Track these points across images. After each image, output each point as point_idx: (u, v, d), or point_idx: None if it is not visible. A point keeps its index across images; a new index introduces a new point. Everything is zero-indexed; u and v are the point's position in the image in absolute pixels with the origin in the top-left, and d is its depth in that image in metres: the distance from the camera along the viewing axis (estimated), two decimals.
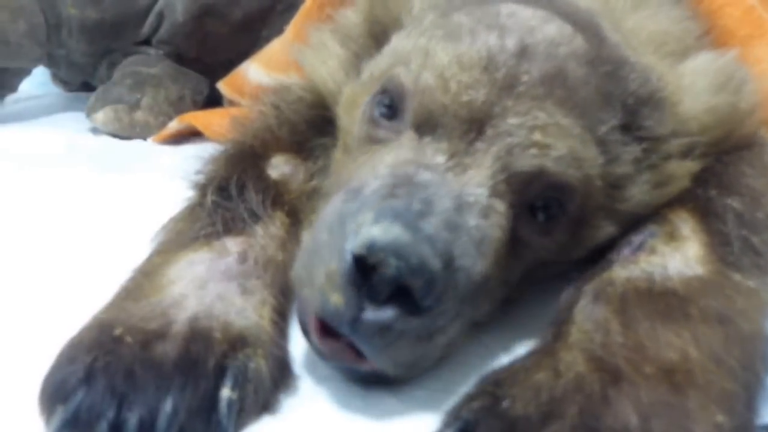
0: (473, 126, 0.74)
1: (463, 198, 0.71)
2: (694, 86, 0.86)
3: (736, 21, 1.09)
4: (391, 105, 0.81)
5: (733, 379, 0.64)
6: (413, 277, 0.63)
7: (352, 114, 0.88)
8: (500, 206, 0.73)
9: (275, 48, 1.51)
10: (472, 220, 0.70)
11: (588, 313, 0.71)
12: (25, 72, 2.01)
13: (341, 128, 0.93)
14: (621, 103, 0.81)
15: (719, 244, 0.76)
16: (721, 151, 0.87)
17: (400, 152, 0.76)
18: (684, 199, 0.82)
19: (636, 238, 0.79)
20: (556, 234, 0.79)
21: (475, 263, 0.70)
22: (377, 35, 0.97)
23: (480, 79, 0.75)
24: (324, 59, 1.02)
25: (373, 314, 0.64)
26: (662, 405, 0.60)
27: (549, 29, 0.80)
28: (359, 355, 0.69)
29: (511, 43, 0.77)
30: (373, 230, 0.64)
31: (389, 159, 0.75)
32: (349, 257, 0.64)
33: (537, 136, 0.74)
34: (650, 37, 0.92)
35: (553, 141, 0.74)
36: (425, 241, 0.64)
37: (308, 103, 1.06)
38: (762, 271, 0.75)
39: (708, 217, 0.79)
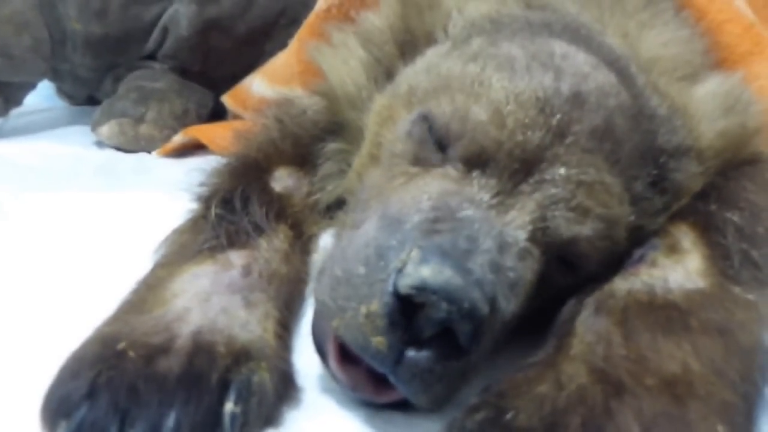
0: (523, 167, 0.74)
1: (503, 238, 0.71)
2: (707, 113, 0.87)
3: (736, 38, 1.10)
4: (437, 132, 0.80)
5: (733, 391, 0.64)
6: (463, 321, 0.62)
7: (388, 127, 0.87)
8: (535, 251, 0.74)
9: (279, 62, 1.52)
10: (510, 262, 0.70)
11: (590, 325, 0.71)
12: (30, 86, 2.01)
13: (368, 138, 0.92)
14: (653, 159, 0.82)
15: (719, 257, 0.77)
16: (724, 169, 0.88)
17: (444, 183, 0.75)
18: (685, 213, 0.83)
19: (637, 251, 0.80)
20: (579, 277, 0.80)
21: (509, 304, 0.70)
22: (404, 45, 0.96)
23: (536, 121, 0.75)
24: (345, 59, 1.02)
25: (416, 356, 0.64)
26: (664, 416, 0.60)
27: (599, 78, 0.80)
28: (377, 384, 0.69)
29: (566, 88, 0.77)
30: (423, 270, 0.63)
31: (432, 189, 0.74)
32: (393, 297, 0.64)
33: (580, 196, 0.74)
34: (665, 66, 0.93)
35: (594, 204, 0.75)
36: (476, 286, 0.64)
37: (316, 111, 1.05)
38: (761, 284, 0.76)
39: (709, 230, 0.79)
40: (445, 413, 0.68)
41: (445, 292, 0.61)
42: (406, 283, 0.62)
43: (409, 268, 0.63)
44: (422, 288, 0.62)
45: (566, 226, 0.74)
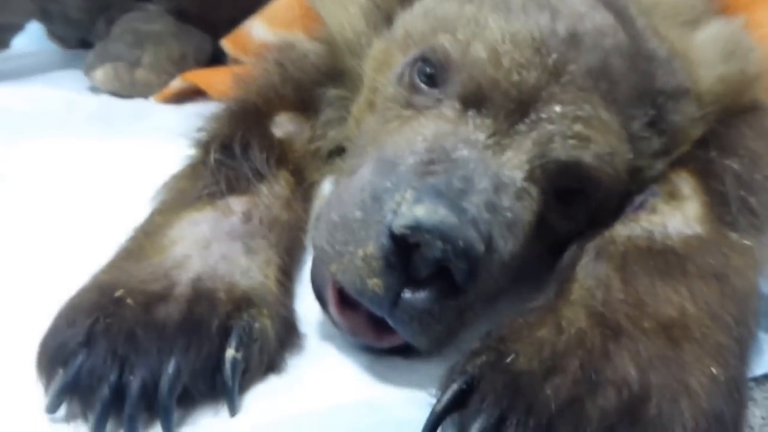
0: (519, 107, 0.74)
1: (500, 178, 0.71)
2: (707, 58, 0.87)
3: None
4: (432, 74, 0.80)
5: (728, 334, 0.66)
6: (458, 260, 0.63)
7: (383, 72, 0.87)
8: (533, 191, 0.74)
9: (280, 5, 1.48)
10: (507, 202, 0.71)
11: (590, 270, 0.72)
12: (17, 27, 1.95)
13: (366, 84, 0.92)
14: (651, 99, 0.81)
15: (718, 204, 0.77)
16: (724, 116, 0.88)
17: (439, 123, 0.75)
18: (685, 160, 0.83)
19: (638, 198, 0.80)
20: (578, 219, 0.81)
21: (507, 244, 0.70)
22: None
23: (532, 61, 0.75)
24: (344, 5, 1.00)
25: (412, 297, 0.65)
26: (660, 358, 0.62)
27: (596, 18, 0.80)
28: (377, 328, 0.70)
29: (562, 28, 0.77)
30: (417, 210, 0.63)
31: (427, 131, 0.75)
32: (389, 239, 0.64)
33: (579, 128, 0.74)
34: (666, 10, 0.92)
35: (594, 134, 0.75)
36: (471, 224, 0.65)
37: (318, 55, 1.04)
38: (758, 230, 0.77)
39: (708, 177, 0.80)
40: (447, 358, 0.69)
41: (439, 231, 0.62)
42: (400, 224, 0.63)
43: (404, 209, 0.64)
44: (416, 228, 0.62)
45: (567, 152, 0.74)
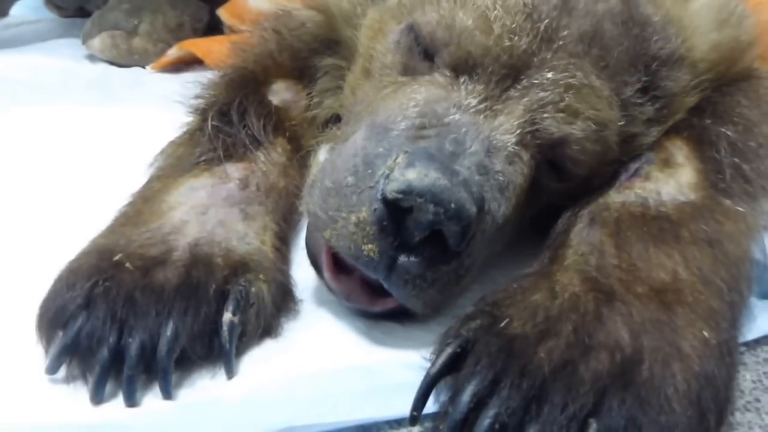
0: (511, 72, 0.74)
1: (492, 142, 0.71)
2: (701, 25, 0.86)
3: None
4: (423, 41, 0.79)
5: (720, 299, 0.67)
6: (450, 222, 0.63)
7: (378, 40, 0.87)
8: (525, 155, 0.74)
9: None
10: (498, 165, 0.71)
11: (584, 236, 0.73)
12: None
13: (360, 53, 0.91)
14: (644, 65, 0.81)
15: (712, 171, 0.78)
16: (719, 84, 0.88)
17: (431, 89, 0.75)
18: (679, 128, 0.83)
19: (632, 165, 0.80)
20: (570, 185, 0.81)
21: (500, 207, 0.71)
22: None
23: (523, 27, 0.74)
24: None
25: (407, 261, 0.66)
26: (652, 322, 0.63)
27: None
28: (372, 293, 0.71)
29: None
30: (409, 174, 0.63)
31: (419, 96, 0.75)
32: (381, 204, 0.64)
33: (569, 99, 0.74)
34: None
35: (584, 107, 0.74)
36: (462, 186, 0.65)
37: (315, 23, 1.04)
38: (751, 197, 0.78)
39: (702, 144, 0.80)
40: (442, 323, 0.70)
41: (431, 194, 0.62)
42: (392, 188, 0.63)
43: (396, 174, 0.64)
44: (408, 191, 0.63)
45: (556, 126, 0.74)
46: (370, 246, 0.65)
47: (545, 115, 0.74)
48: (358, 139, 0.73)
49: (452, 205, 0.63)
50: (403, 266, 0.65)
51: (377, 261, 0.65)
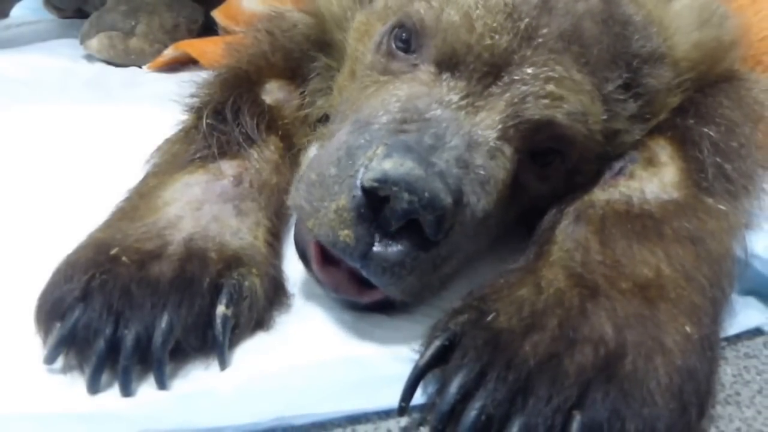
0: (492, 70, 0.75)
1: (472, 137, 0.72)
2: (682, 24, 0.87)
3: None
4: (408, 39, 0.81)
5: (702, 295, 0.68)
6: (425, 211, 0.65)
7: (364, 42, 0.89)
8: (507, 150, 0.75)
9: None
10: (479, 160, 0.72)
11: (569, 233, 0.74)
12: None
13: (348, 54, 0.93)
14: (626, 62, 0.82)
15: (695, 170, 0.79)
16: (702, 85, 0.89)
17: (414, 86, 0.77)
18: (663, 128, 0.85)
19: (617, 164, 0.82)
20: (553, 181, 0.82)
21: (480, 201, 0.72)
22: None
23: (504, 25, 0.76)
24: None
25: (383, 249, 0.67)
26: (636, 317, 0.64)
27: None
28: (360, 285, 0.72)
29: None
30: (385, 164, 0.65)
31: (401, 92, 0.76)
32: (359, 191, 0.66)
33: (551, 87, 0.75)
34: None
35: (566, 94, 0.76)
36: (437, 177, 0.66)
37: (307, 25, 1.05)
38: (733, 196, 0.79)
39: (685, 144, 0.81)
40: (430, 317, 0.71)
41: (405, 183, 0.64)
42: (369, 177, 0.65)
43: (374, 163, 0.66)
44: (384, 180, 0.64)
45: (539, 112, 0.75)
46: (346, 232, 0.66)
47: (527, 105, 0.75)
48: (342, 134, 0.74)
49: (426, 194, 0.64)
50: (379, 254, 0.66)
51: (353, 247, 0.66)
